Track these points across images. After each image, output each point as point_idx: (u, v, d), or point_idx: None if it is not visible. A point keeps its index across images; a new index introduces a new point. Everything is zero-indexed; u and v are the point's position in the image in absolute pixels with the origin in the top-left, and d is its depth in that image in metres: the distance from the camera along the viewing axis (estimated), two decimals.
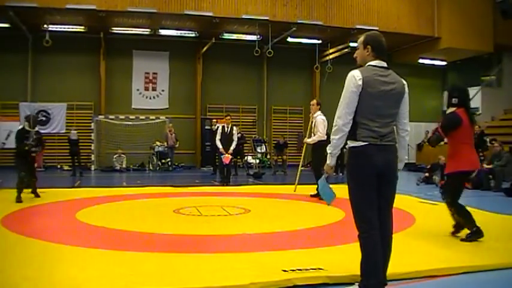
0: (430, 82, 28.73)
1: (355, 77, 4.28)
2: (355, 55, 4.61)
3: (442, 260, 5.51)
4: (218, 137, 14.15)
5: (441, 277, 5.07)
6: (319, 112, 11.44)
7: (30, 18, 20.30)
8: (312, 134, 11.43)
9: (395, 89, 4.38)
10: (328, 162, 4.58)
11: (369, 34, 4.55)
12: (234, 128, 14.49)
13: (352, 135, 4.35)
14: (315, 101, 11.77)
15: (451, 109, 7.01)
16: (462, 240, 6.68)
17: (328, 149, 4.49)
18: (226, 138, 14.07)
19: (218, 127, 14.76)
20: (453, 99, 7.00)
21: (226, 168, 14.51)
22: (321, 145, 10.53)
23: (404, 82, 4.51)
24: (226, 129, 14.19)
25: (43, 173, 19.82)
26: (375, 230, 4.26)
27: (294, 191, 12.64)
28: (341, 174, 19.25)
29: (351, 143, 4.38)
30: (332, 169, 4.64)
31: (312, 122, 11.56)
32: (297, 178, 12.83)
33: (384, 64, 4.43)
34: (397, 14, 22.61)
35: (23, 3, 18.50)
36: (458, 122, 6.83)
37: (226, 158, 13.98)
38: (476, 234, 6.65)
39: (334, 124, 4.38)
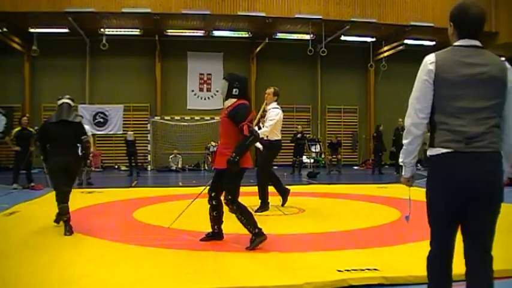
0: None
1: (426, 61, 3.31)
2: None
3: None
4: None
5: None
6: (274, 104, 9.48)
7: (88, 23, 20.92)
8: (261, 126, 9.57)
9: (486, 73, 3.21)
10: (402, 173, 3.61)
11: (454, 7, 3.39)
12: None
13: (430, 140, 3.32)
14: (272, 90, 9.54)
15: (232, 100, 6.32)
16: (247, 248, 6.00)
17: (400, 158, 3.53)
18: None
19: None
20: (234, 90, 6.32)
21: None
22: (271, 144, 9.44)
23: (508, 66, 3.42)
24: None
25: (101, 173, 20.38)
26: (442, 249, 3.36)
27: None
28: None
29: (428, 152, 3.32)
30: (409, 182, 3.61)
31: (262, 111, 9.97)
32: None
33: (474, 42, 3.31)
34: None
35: (81, 9, 19.08)
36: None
37: None
38: (259, 236, 6.08)
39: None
